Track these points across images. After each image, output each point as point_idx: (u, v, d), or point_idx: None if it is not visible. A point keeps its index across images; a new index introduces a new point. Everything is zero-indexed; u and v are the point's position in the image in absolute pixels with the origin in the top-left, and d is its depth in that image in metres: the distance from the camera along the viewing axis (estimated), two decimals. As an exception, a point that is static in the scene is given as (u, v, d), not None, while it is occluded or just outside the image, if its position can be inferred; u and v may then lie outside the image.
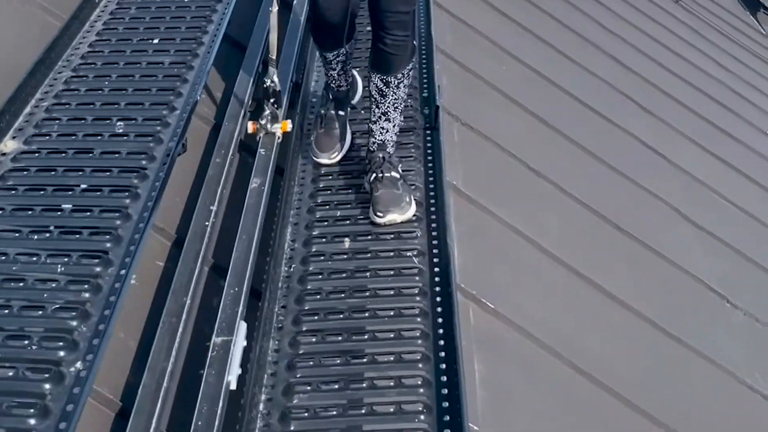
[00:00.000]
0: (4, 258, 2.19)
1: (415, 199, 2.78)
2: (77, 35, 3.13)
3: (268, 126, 2.89)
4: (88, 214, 2.36)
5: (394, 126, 2.87)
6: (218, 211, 2.63)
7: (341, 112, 3.06)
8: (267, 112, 2.88)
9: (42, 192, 2.42)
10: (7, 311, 2.04)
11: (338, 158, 3.03)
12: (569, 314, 3.06)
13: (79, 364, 1.90)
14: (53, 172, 2.50)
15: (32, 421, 1.77)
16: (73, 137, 2.65)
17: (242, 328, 2.19)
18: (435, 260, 2.61)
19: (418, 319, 2.39)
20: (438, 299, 2.47)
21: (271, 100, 2.88)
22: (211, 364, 2.05)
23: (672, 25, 6.20)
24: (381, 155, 2.84)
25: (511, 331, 2.84)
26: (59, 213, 2.35)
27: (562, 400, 2.73)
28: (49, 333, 1.97)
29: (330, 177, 2.96)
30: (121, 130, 2.72)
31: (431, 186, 2.94)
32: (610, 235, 3.61)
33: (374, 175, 2.79)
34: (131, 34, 3.20)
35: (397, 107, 2.85)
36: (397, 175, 2.79)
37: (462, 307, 2.65)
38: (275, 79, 2.86)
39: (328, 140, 3.00)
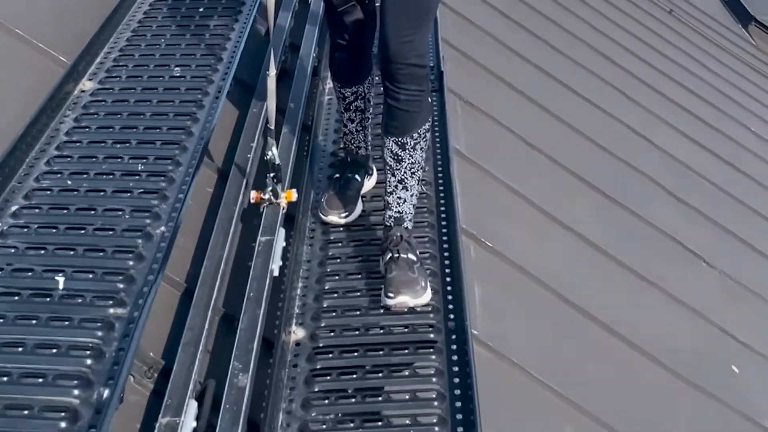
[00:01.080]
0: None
1: (431, 287, 2.65)
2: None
3: (272, 198, 2.80)
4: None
5: (412, 195, 2.75)
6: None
7: (357, 177, 2.98)
8: (269, 186, 2.79)
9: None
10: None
11: (349, 219, 2.93)
12: (555, 257, 3.59)
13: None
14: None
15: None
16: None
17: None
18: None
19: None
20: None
21: (271, 175, 2.78)
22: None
23: (664, 32, 6.79)
24: (399, 234, 2.72)
25: (504, 265, 3.38)
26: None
27: (547, 318, 3.26)
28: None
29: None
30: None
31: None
32: (596, 199, 4.15)
33: (390, 255, 2.66)
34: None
35: (414, 173, 2.73)
36: (414, 258, 2.66)
37: (464, 245, 3.14)
38: (274, 151, 2.76)
39: (339, 200, 2.92)
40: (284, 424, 2.19)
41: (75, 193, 2.56)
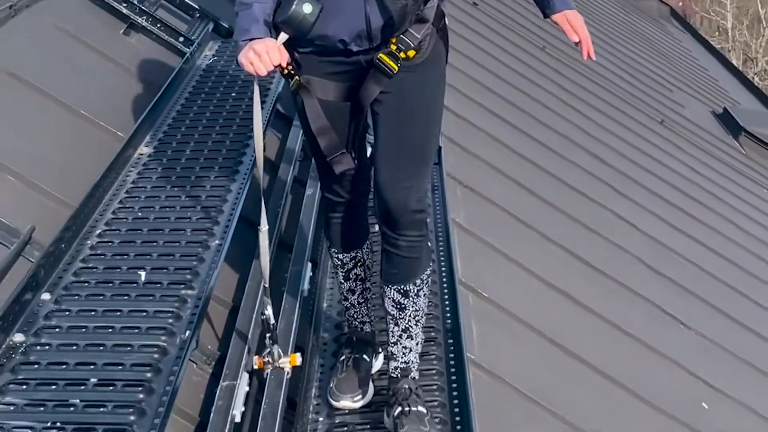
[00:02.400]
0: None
1: (440, 419, 2.75)
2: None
3: (275, 362, 2.78)
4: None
5: (417, 344, 2.83)
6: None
7: (365, 357, 2.95)
8: (267, 348, 2.79)
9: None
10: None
11: (363, 402, 2.88)
12: (546, 310, 4.24)
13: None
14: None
15: None
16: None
17: None
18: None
19: None
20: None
21: (267, 335, 2.79)
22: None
23: (653, 138, 7.58)
24: (407, 386, 2.77)
25: (497, 312, 4.04)
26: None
27: (536, 355, 3.90)
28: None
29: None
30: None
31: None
32: (582, 269, 4.83)
33: (399, 408, 2.71)
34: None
35: (418, 321, 2.80)
36: (424, 411, 2.72)
37: (462, 295, 3.76)
38: (269, 311, 2.77)
39: (351, 383, 2.88)
40: None
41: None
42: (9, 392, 2.35)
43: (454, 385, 2.91)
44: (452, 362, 3.01)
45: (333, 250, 2.94)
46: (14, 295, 2.57)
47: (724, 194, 7.12)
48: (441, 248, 3.66)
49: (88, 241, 2.99)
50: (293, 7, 2.55)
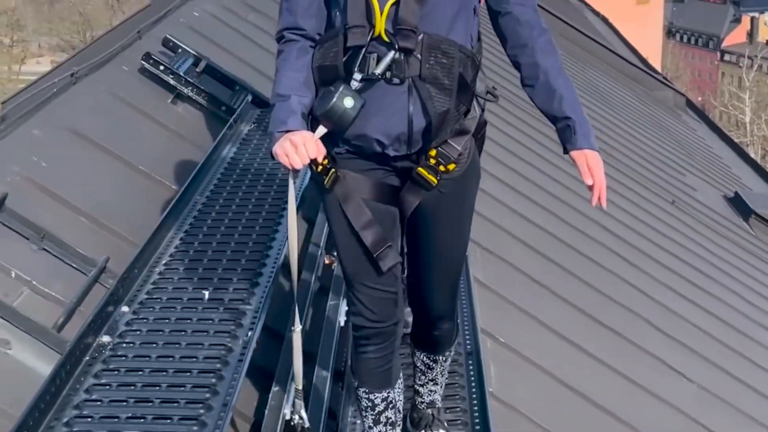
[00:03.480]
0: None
1: None
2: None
3: None
4: None
5: (441, 386, 3.12)
6: None
7: None
8: None
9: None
10: None
11: None
12: (555, 356, 4.74)
13: None
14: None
15: None
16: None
17: None
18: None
19: None
20: None
21: None
22: None
23: (664, 217, 8.13)
24: (430, 411, 3.08)
25: (513, 356, 4.53)
26: None
27: (547, 394, 4.38)
28: None
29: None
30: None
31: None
32: (594, 327, 5.33)
33: None
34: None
35: (444, 374, 3.08)
36: None
37: (481, 340, 4.25)
38: (303, 414, 2.83)
39: None
40: None
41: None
42: (103, 376, 2.86)
43: (476, 414, 3.23)
44: (473, 392, 3.35)
45: (362, 389, 2.87)
46: (99, 307, 3.10)
47: (730, 269, 7.62)
48: (464, 301, 4.04)
49: (156, 268, 3.52)
50: (334, 99, 2.57)
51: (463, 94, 2.70)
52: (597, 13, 24.39)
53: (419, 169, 2.70)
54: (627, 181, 8.61)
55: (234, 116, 5.38)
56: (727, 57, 69.02)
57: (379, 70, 2.61)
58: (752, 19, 74.93)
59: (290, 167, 2.55)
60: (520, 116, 8.84)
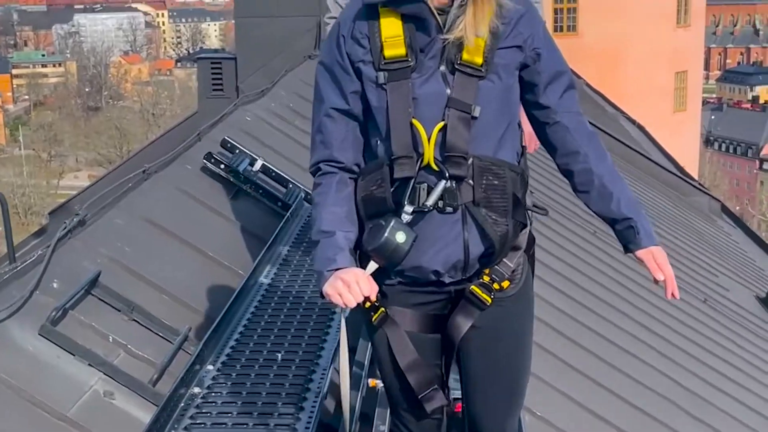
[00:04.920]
0: None
1: None
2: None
3: None
4: None
5: None
6: None
7: None
8: None
9: None
10: None
11: None
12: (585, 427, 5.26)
13: None
14: None
15: None
16: None
17: None
18: None
19: None
20: None
21: None
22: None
23: (696, 314, 8.65)
24: None
25: (548, 427, 5.06)
26: None
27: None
28: None
29: None
30: None
31: None
32: (624, 407, 5.84)
33: None
34: None
35: None
36: None
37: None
38: None
39: None
40: None
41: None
42: (198, 417, 3.41)
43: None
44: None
45: None
46: (188, 365, 3.70)
47: (759, 362, 8.11)
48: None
49: (233, 335, 4.12)
50: (386, 235, 2.56)
51: (517, 212, 2.72)
52: (633, 121, 25.19)
53: (473, 287, 2.71)
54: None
55: (289, 211, 6.02)
56: (766, 165, 69.99)
57: (430, 202, 2.62)
58: (792, 126, 76.00)
59: (343, 306, 2.54)
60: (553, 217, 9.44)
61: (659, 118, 33.74)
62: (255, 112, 7.95)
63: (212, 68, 12.70)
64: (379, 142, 2.73)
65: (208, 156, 6.26)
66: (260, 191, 6.26)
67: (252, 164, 6.63)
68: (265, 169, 6.67)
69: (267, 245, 5.34)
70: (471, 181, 2.66)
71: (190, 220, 5.50)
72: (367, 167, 2.75)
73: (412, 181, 2.64)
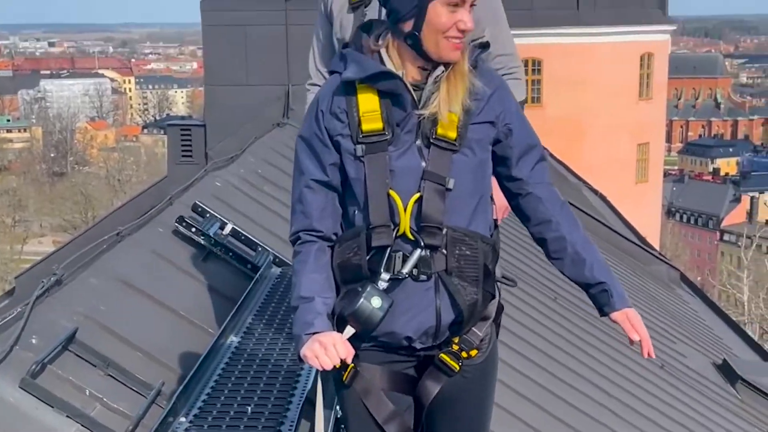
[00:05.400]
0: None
1: None
2: None
3: None
4: None
5: None
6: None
7: None
8: None
9: None
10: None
11: None
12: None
13: None
14: None
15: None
16: None
17: None
18: None
19: None
20: None
21: None
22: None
23: (654, 379, 8.88)
24: None
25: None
26: None
27: None
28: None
29: None
30: None
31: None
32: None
33: None
34: None
35: None
36: None
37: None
38: None
39: None
40: None
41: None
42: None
43: None
44: None
45: None
46: (162, 417, 3.87)
47: (715, 427, 8.34)
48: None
49: (204, 390, 4.30)
50: (362, 300, 2.65)
51: (487, 282, 2.83)
52: (595, 191, 25.58)
53: (442, 355, 2.82)
54: (618, 345, 9.40)
55: (258, 273, 6.22)
56: (726, 237, 70.91)
57: (406, 269, 2.73)
58: (752, 198, 77.15)
59: (320, 368, 2.64)
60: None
61: (621, 188, 34.18)
62: (225, 177, 8.17)
63: (182, 135, 12.93)
64: (356, 211, 2.83)
65: (180, 219, 6.46)
66: (230, 254, 6.46)
67: (222, 228, 6.83)
68: (234, 233, 6.87)
69: (237, 305, 5.52)
70: (444, 251, 2.76)
71: (162, 280, 5.68)
72: (344, 235, 2.86)
73: (389, 249, 2.75)
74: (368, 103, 2.82)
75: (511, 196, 3.02)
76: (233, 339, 5.04)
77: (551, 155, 27.90)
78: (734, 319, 19.71)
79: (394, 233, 2.75)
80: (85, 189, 54.53)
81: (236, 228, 6.88)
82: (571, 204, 16.29)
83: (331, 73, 2.95)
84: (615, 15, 37.14)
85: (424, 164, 2.80)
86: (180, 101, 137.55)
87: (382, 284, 2.72)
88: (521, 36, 36.42)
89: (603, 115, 37.22)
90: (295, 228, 2.92)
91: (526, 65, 36.73)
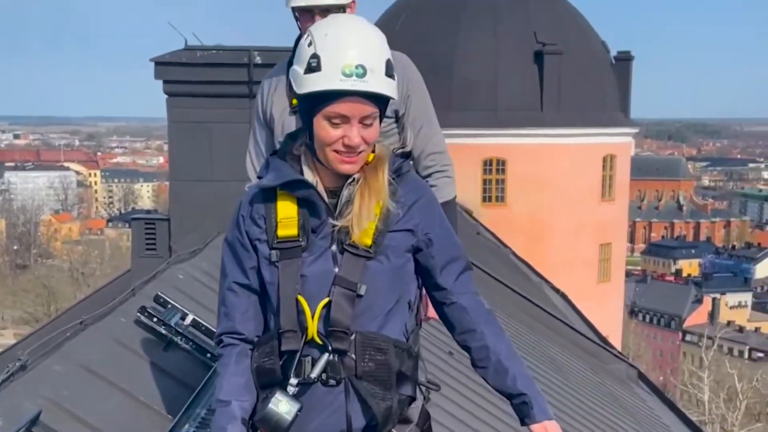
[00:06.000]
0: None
1: None
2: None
3: None
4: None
5: None
6: None
7: None
8: None
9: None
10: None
11: None
12: None
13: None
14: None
15: None
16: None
17: None
18: None
19: None
20: None
21: None
22: None
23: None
24: None
25: None
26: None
27: None
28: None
29: None
30: None
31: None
32: None
33: None
34: None
35: None
36: None
37: None
38: None
39: None
40: None
41: None
42: None
43: None
44: None
45: None
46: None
47: None
48: None
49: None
50: (269, 405, 2.72)
51: (404, 386, 2.86)
52: (557, 290, 25.93)
53: None
54: None
55: (217, 362, 6.41)
56: (688, 337, 71.45)
57: (314, 374, 2.78)
58: (713, 299, 77.94)
59: None
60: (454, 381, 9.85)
61: (584, 288, 34.50)
62: (187, 270, 8.39)
63: (146, 228, 13.09)
64: (271, 315, 2.90)
65: (142, 309, 6.65)
66: (191, 343, 6.65)
67: (183, 318, 7.02)
68: (195, 324, 7.06)
69: (195, 392, 5.72)
70: (353, 356, 2.80)
71: (124, 367, 5.86)
72: (260, 340, 2.93)
73: (298, 354, 2.80)
74: (286, 209, 2.91)
75: (436, 304, 3.07)
76: (188, 428, 5.23)
77: (514, 254, 28.33)
78: (695, 419, 19.95)
79: (303, 338, 2.80)
80: (48, 282, 54.24)
81: (197, 319, 7.07)
82: (532, 302, 16.72)
83: (259, 178, 3.06)
84: (578, 117, 37.88)
85: (336, 270, 2.86)
86: (145, 195, 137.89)
87: (291, 389, 2.77)
88: (486, 136, 37.36)
89: (566, 214, 37.71)
90: (219, 330, 3.03)
91: (490, 165, 37.37)
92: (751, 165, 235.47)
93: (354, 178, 2.91)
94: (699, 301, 78.63)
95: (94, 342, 6.01)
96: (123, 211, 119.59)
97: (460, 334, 3.02)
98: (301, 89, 2.81)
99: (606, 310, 36.56)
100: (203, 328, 7.15)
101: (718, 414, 34.63)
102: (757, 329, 79.93)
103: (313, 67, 2.76)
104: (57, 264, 76.71)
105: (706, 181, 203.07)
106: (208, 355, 6.67)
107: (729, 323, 73.31)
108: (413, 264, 3.01)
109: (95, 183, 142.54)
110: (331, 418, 2.80)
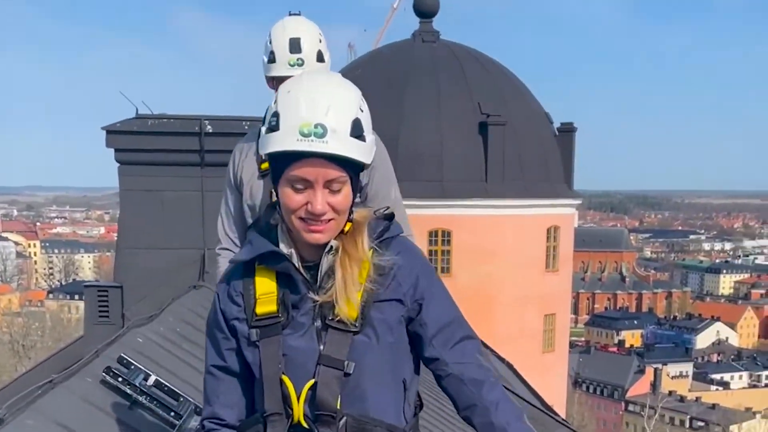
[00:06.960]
0: None
1: None
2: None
3: None
4: None
5: None
6: None
7: None
8: None
9: None
10: None
11: None
12: None
13: None
14: None
15: None
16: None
17: None
18: None
19: None
20: None
21: None
22: None
23: None
24: None
25: None
26: None
27: None
28: None
29: None
30: None
31: None
32: None
33: None
34: None
35: None
36: None
37: None
38: None
39: None
40: None
41: None
42: None
43: None
44: None
45: None
46: None
47: None
48: None
49: None
50: None
51: None
52: (502, 359, 26.22)
53: None
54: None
55: (181, 420, 6.71)
56: (631, 407, 72.09)
57: None
58: (655, 370, 78.80)
59: None
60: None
61: (528, 358, 34.71)
62: (145, 334, 8.67)
63: (99, 296, 13.30)
64: (256, 397, 2.71)
65: (107, 370, 6.94)
66: (155, 402, 6.95)
67: (146, 379, 7.31)
68: (158, 384, 7.35)
69: (161, 449, 6.02)
70: None
71: (92, 424, 6.15)
72: (244, 424, 2.76)
73: None
74: (265, 285, 2.72)
75: (435, 378, 2.83)
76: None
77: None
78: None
79: (288, 422, 2.62)
80: (-12, 356, 53.59)
81: (159, 380, 7.36)
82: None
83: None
84: (522, 188, 38.32)
85: (321, 347, 2.66)
86: (87, 266, 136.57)
87: None
88: (432, 207, 37.72)
89: (510, 285, 37.99)
90: (203, 415, 2.86)
91: (435, 236, 37.76)
92: (692, 236, 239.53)
93: (331, 246, 2.68)
94: (641, 371, 79.47)
95: (64, 399, 6.29)
96: (63, 283, 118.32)
97: (463, 410, 2.75)
98: (262, 149, 2.63)
99: (550, 379, 36.76)
100: (166, 388, 7.44)
101: None
102: (697, 399, 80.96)
103: (272, 125, 2.55)
104: (-4, 336, 75.71)
105: (648, 253, 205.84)
106: (172, 413, 6.96)
107: (671, 393, 74.20)
108: (407, 337, 2.81)
109: (35, 254, 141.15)
110: None
